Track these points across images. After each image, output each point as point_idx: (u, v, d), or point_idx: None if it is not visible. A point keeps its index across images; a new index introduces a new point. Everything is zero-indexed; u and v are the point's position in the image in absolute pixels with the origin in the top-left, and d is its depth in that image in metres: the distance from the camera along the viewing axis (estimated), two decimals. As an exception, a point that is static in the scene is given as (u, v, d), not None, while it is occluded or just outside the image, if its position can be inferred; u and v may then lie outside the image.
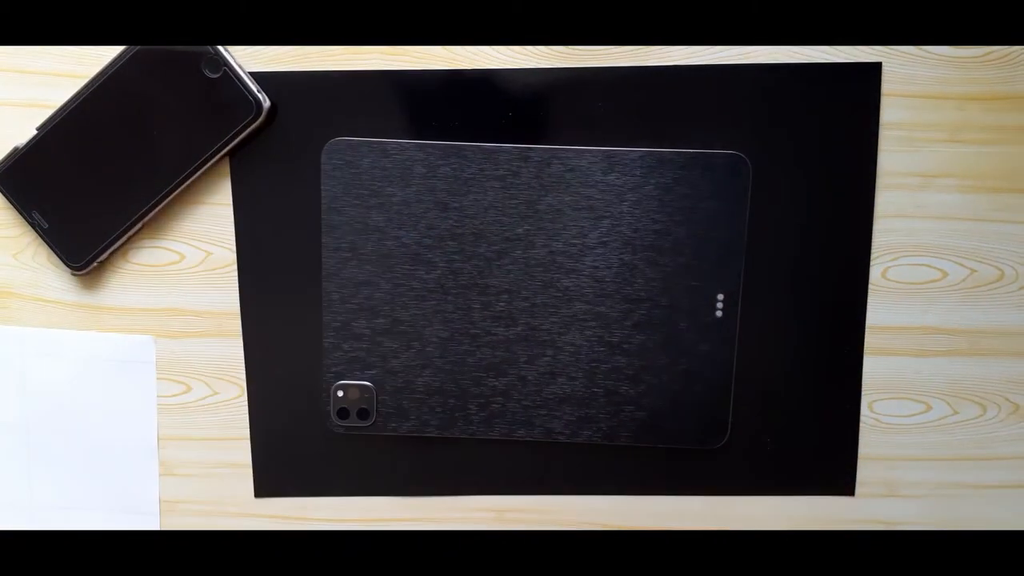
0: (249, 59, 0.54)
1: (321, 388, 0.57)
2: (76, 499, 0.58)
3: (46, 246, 0.56)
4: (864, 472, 0.58)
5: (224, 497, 0.59)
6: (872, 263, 0.56)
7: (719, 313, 0.56)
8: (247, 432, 0.58)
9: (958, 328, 0.57)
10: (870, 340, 0.57)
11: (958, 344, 0.57)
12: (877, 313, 0.57)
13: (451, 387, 0.56)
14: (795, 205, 0.55)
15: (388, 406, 0.56)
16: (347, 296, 0.56)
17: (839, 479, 0.58)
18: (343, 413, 0.57)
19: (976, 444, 0.58)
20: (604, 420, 0.56)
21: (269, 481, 0.58)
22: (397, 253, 0.55)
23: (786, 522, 0.59)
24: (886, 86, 0.54)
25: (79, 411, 0.58)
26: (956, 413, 0.58)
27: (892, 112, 0.55)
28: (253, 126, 0.54)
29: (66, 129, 0.54)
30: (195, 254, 0.57)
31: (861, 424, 0.58)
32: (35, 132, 0.55)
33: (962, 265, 0.56)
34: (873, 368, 0.57)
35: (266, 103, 0.54)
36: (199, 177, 0.55)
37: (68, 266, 0.56)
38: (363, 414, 0.57)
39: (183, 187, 0.55)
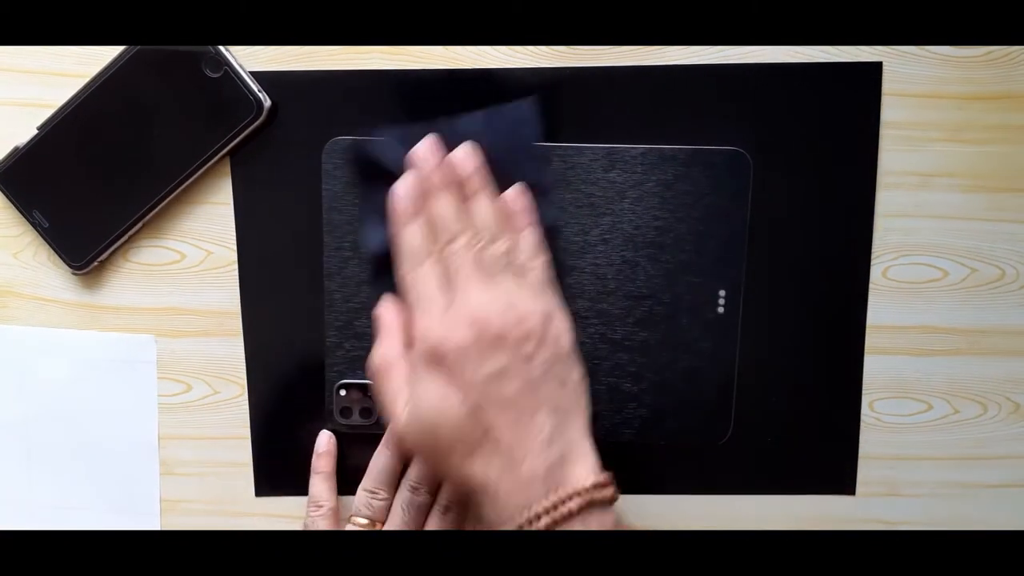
0: (249, 59, 0.54)
1: (323, 387, 0.57)
2: (76, 498, 0.58)
3: (46, 245, 0.56)
4: (865, 471, 0.58)
5: (224, 497, 0.59)
6: (872, 262, 0.56)
7: (721, 310, 0.56)
8: (248, 431, 0.58)
9: (959, 327, 0.57)
10: (870, 339, 0.57)
11: (959, 343, 0.57)
12: (877, 312, 0.57)
13: (452, 386, 0.56)
14: (795, 204, 0.55)
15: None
16: (349, 295, 0.56)
17: (840, 478, 0.58)
18: (345, 412, 0.57)
19: (977, 443, 0.58)
20: (606, 417, 0.56)
21: (270, 480, 0.58)
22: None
23: (786, 521, 0.58)
24: (886, 85, 0.54)
25: (79, 410, 0.58)
26: (957, 412, 0.58)
27: (892, 111, 0.55)
28: (254, 126, 0.54)
29: (67, 129, 0.54)
30: (196, 253, 0.57)
31: (862, 423, 0.58)
32: (36, 132, 0.55)
33: (963, 265, 0.56)
34: (873, 367, 0.57)
35: (267, 103, 0.54)
36: (199, 177, 0.55)
37: (68, 265, 0.56)
38: (365, 413, 0.57)
39: (184, 187, 0.55)
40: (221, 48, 0.53)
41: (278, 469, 0.58)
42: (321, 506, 0.56)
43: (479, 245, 0.50)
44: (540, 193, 0.53)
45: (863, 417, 0.58)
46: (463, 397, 0.47)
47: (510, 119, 0.53)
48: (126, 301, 0.57)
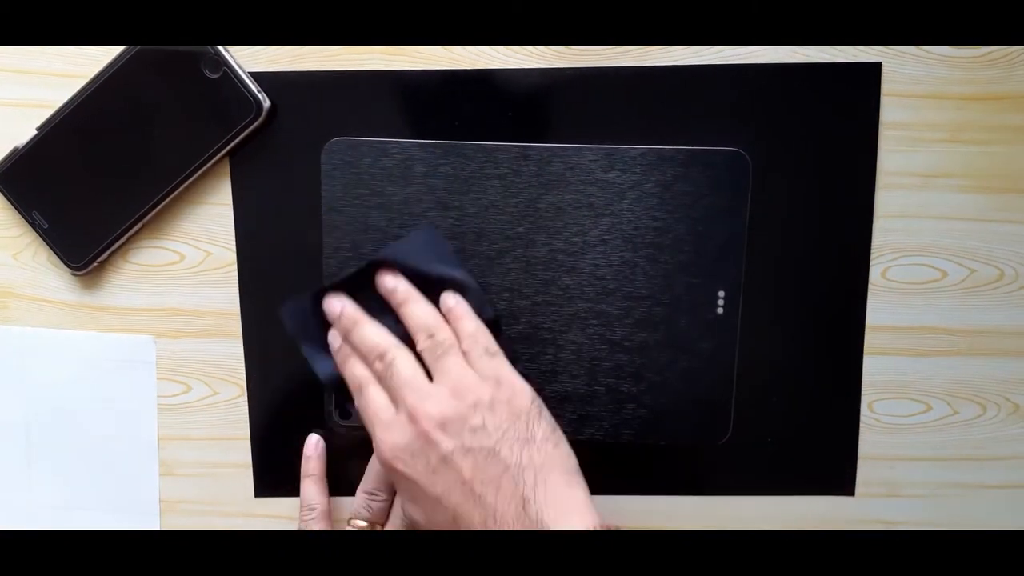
0: (249, 59, 0.54)
1: (322, 388, 0.57)
2: (76, 499, 0.58)
3: (46, 246, 0.56)
4: (864, 472, 0.58)
5: (224, 497, 0.59)
6: (872, 263, 0.56)
7: (720, 310, 0.56)
8: (247, 432, 0.58)
9: (958, 328, 0.57)
10: (870, 340, 0.57)
11: (958, 344, 0.57)
12: (877, 313, 0.57)
13: (452, 387, 0.56)
14: (795, 204, 0.55)
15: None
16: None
17: (839, 479, 0.58)
18: (344, 413, 0.57)
19: (976, 444, 0.58)
20: (606, 418, 0.56)
21: (269, 481, 0.58)
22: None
23: (786, 522, 0.58)
24: (886, 86, 0.54)
25: (79, 411, 0.58)
26: (956, 413, 0.58)
27: (892, 112, 0.55)
28: (253, 126, 0.54)
29: (66, 129, 0.54)
30: (195, 254, 0.57)
31: (861, 424, 0.58)
32: (35, 132, 0.55)
33: (962, 265, 0.56)
34: (873, 368, 0.57)
35: (266, 103, 0.54)
36: (199, 177, 0.55)
37: (68, 266, 0.56)
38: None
39: (183, 187, 0.55)
40: (220, 48, 0.53)
41: (277, 470, 0.58)
42: (313, 509, 0.56)
43: (421, 346, 0.51)
44: (470, 294, 0.53)
45: (862, 418, 0.58)
46: (421, 492, 0.48)
47: (418, 244, 0.53)
48: (125, 302, 0.57)
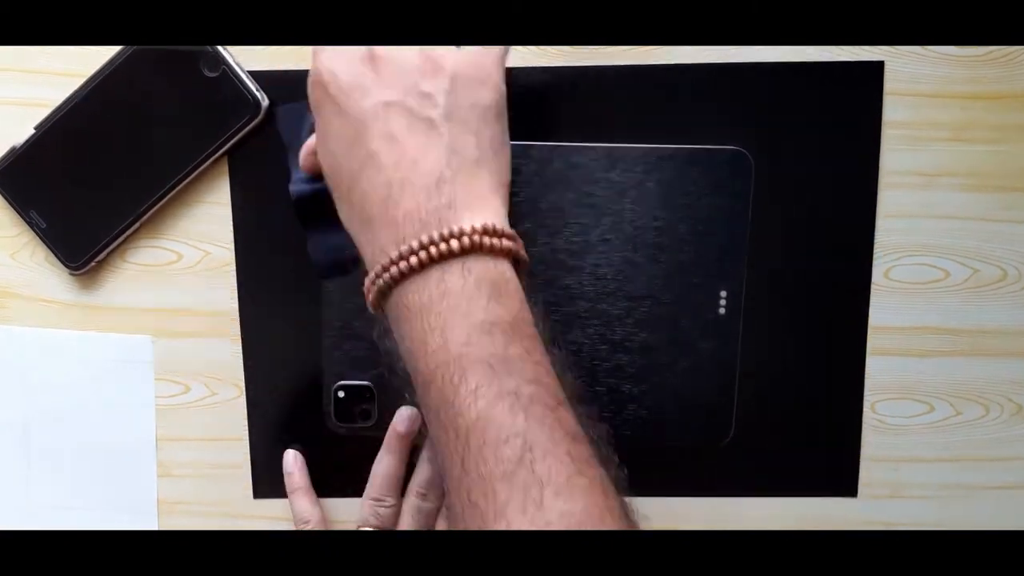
0: (248, 58, 0.54)
1: (321, 389, 0.57)
2: (74, 499, 0.58)
3: (44, 246, 0.56)
4: (867, 473, 0.58)
5: (223, 498, 0.58)
6: (874, 263, 0.56)
7: (722, 311, 0.55)
8: (246, 433, 0.58)
9: (961, 328, 0.57)
10: (872, 340, 0.57)
11: (961, 344, 0.57)
12: (879, 313, 0.57)
13: (452, 387, 0.56)
14: (797, 204, 0.55)
15: (389, 407, 0.56)
16: (347, 296, 0.55)
17: (841, 480, 0.58)
18: (343, 414, 0.57)
19: (979, 445, 0.58)
20: (607, 419, 0.56)
21: (268, 482, 0.58)
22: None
23: (788, 523, 0.58)
24: (889, 85, 0.54)
25: (77, 411, 0.58)
26: (959, 414, 0.58)
27: (895, 111, 0.54)
28: (252, 125, 0.54)
29: (64, 128, 0.54)
30: (193, 254, 0.56)
31: (864, 425, 0.57)
32: (33, 131, 0.54)
33: (965, 265, 0.56)
34: (875, 368, 0.57)
35: (265, 102, 0.54)
36: (197, 176, 0.55)
37: (66, 266, 0.56)
38: (364, 415, 0.56)
39: (181, 186, 0.55)
40: (219, 47, 0.53)
41: (276, 471, 0.58)
42: (308, 521, 0.56)
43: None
44: None
45: (865, 418, 0.57)
46: (342, 127, 0.45)
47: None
48: (123, 301, 0.57)
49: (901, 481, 0.58)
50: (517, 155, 0.54)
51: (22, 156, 0.55)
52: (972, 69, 0.54)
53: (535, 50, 0.54)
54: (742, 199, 0.55)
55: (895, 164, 0.55)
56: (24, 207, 0.55)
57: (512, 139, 0.54)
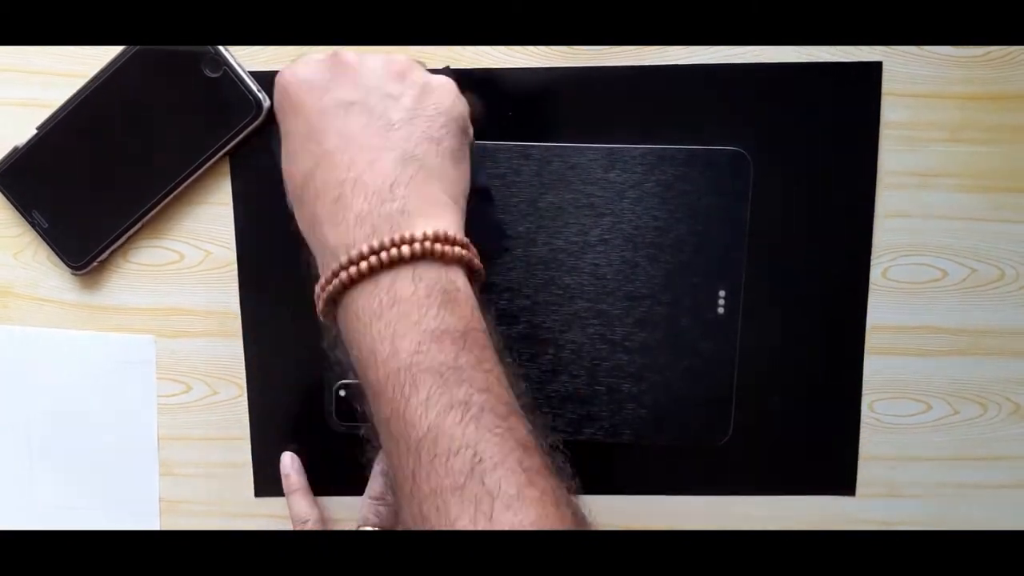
0: (249, 59, 0.54)
1: (322, 388, 0.57)
2: (76, 499, 0.58)
3: (46, 246, 0.56)
4: (865, 472, 0.58)
5: (224, 497, 0.59)
6: (872, 263, 0.56)
7: (721, 310, 0.55)
8: (247, 432, 0.58)
9: (958, 328, 0.57)
10: (870, 340, 0.57)
11: (958, 344, 0.57)
12: (877, 313, 0.57)
13: (452, 386, 0.56)
14: (795, 204, 0.55)
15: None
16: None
17: (839, 479, 0.58)
18: (344, 414, 0.57)
19: (977, 444, 0.58)
20: (606, 418, 0.56)
21: (270, 481, 0.58)
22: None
23: (786, 522, 0.58)
24: (887, 85, 0.54)
25: (79, 411, 0.58)
26: (957, 413, 0.58)
27: (893, 111, 0.55)
28: (253, 125, 0.54)
29: (66, 129, 0.54)
30: (195, 254, 0.56)
31: (862, 424, 0.58)
32: (35, 132, 0.54)
33: (962, 265, 0.56)
34: (873, 368, 0.57)
35: (266, 102, 0.54)
36: (199, 176, 0.55)
37: (68, 266, 0.56)
38: (364, 414, 0.57)
39: (183, 186, 0.55)
40: (220, 48, 0.53)
41: (278, 470, 0.58)
42: (306, 521, 0.56)
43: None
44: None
45: (863, 417, 0.58)
46: (298, 127, 0.44)
47: None
48: (125, 301, 0.57)
49: (899, 480, 0.58)
50: (517, 155, 0.54)
51: (24, 156, 0.55)
52: (970, 70, 0.54)
53: (535, 50, 0.54)
54: (741, 199, 0.55)
55: (893, 164, 0.55)
56: (26, 207, 0.55)
57: (512, 139, 0.55)
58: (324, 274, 0.43)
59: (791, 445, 0.58)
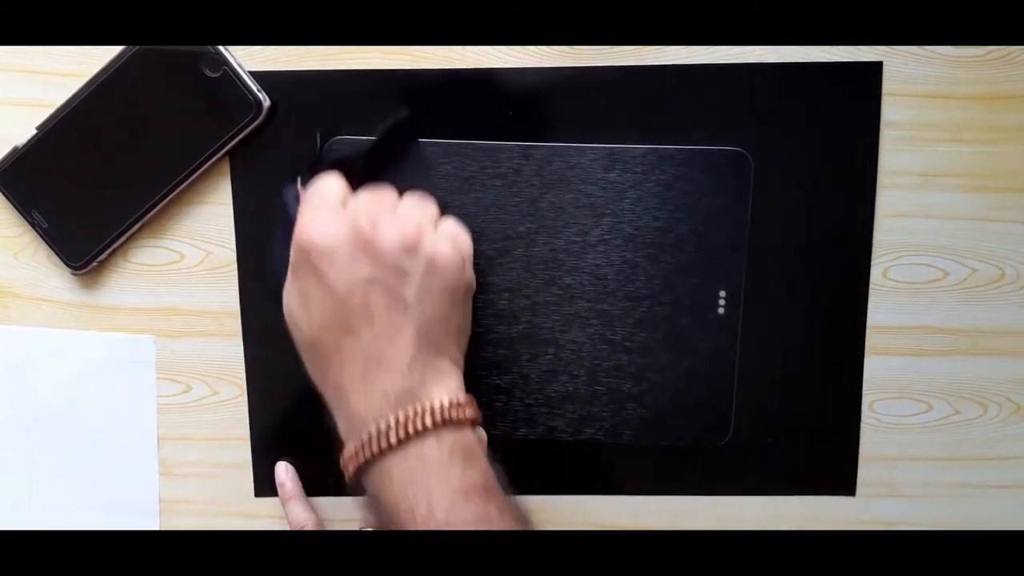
0: (248, 59, 0.54)
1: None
2: (75, 499, 0.58)
3: (46, 246, 0.56)
4: (865, 472, 0.58)
5: (224, 497, 0.59)
6: (873, 262, 0.56)
7: (721, 310, 0.55)
8: (247, 432, 0.58)
9: (959, 328, 0.57)
10: (871, 340, 0.57)
11: (959, 344, 0.57)
12: (878, 313, 0.57)
13: (452, 386, 0.56)
14: (796, 204, 0.55)
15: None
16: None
17: (840, 479, 0.58)
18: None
19: (978, 444, 0.58)
20: (607, 418, 0.56)
21: (270, 481, 0.58)
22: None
23: (787, 522, 0.58)
24: (887, 85, 0.54)
25: (79, 411, 0.58)
26: (957, 413, 0.58)
27: (893, 111, 0.55)
28: (253, 125, 0.54)
29: (66, 129, 0.54)
30: (195, 254, 0.56)
31: (862, 424, 0.58)
32: (35, 132, 0.54)
33: (963, 265, 0.56)
34: (874, 368, 0.57)
35: (266, 102, 0.54)
36: (199, 177, 0.55)
37: (68, 266, 0.56)
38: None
39: (183, 187, 0.55)
40: (220, 48, 0.53)
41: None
42: (304, 526, 0.56)
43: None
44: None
45: (863, 418, 0.58)
46: (324, 298, 0.48)
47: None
48: (125, 301, 0.57)
49: (899, 480, 0.58)
50: (517, 155, 0.54)
51: (24, 156, 0.55)
52: (971, 69, 0.54)
53: (535, 50, 0.54)
54: (741, 199, 0.55)
55: (894, 164, 0.55)
56: (26, 207, 0.55)
57: (512, 139, 0.55)
58: (353, 441, 0.48)
59: (791, 445, 0.58)
